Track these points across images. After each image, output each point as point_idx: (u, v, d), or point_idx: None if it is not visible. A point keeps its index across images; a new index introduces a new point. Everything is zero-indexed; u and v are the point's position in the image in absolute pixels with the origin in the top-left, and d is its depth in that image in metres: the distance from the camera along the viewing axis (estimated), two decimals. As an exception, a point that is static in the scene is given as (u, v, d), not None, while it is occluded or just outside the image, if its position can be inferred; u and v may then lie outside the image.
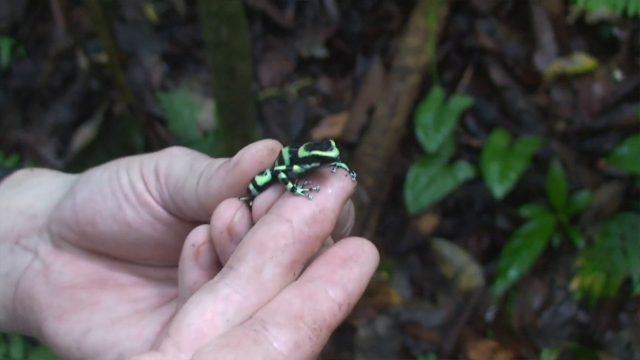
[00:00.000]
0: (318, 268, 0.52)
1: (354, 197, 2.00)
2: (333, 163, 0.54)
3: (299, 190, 0.53)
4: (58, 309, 0.62)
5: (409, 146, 2.16)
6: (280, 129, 2.17)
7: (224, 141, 1.89)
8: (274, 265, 0.51)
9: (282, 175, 0.55)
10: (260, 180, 0.56)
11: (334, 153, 0.54)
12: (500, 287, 1.93)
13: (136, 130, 2.09)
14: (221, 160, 0.58)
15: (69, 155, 2.15)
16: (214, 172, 0.57)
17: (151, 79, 2.23)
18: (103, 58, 2.16)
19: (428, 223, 2.12)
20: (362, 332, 1.95)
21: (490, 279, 2.02)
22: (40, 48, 2.27)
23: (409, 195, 2.02)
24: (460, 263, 2.05)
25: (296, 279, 0.52)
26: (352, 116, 2.19)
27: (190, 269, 0.58)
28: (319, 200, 0.52)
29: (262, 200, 0.56)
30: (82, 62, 2.25)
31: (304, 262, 0.52)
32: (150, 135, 2.11)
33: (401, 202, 2.05)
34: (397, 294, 2.01)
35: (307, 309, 0.49)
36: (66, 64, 2.26)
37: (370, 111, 2.17)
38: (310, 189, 0.53)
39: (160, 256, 0.64)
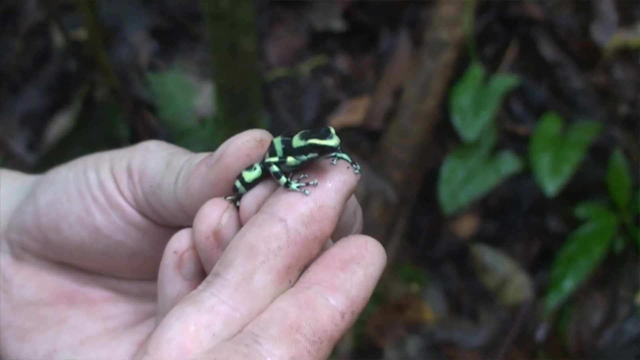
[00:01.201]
0: (316, 273, 0.53)
1: (373, 196, 2.01)
2: (333, 154, 0.55)
3: (293, 185, 0.54)
4: (20, 328, 0.63)
5: (443, 135, 2.15)
6: (290, 115, 2.17)
7: (225, 130, 1.90)
8: (266, 271, 0.52)
9: (274, 169, 0.55)
10: (249, 175, 0.57)
11: (333, 142, 0.54)
12: (553, 300, 1.93)
13: (121, 119, 2.10)
14: (202, 155, 0.59)
15: (43, 148, 2.15)
16: (195, 169, 0.58)
17: (139, 59, 2.23)
18: (82, 34, 2.16)
19: (466, 225, 2.13)
20: (390, 355, 1.96)
21: (540, 291, 2.02)
22: (7, 23, 2.27)
23: (443, 192, 2.02)
24: (505, 272, 2.06)
25: (292, 286, 0.53)
26: (375, 100, 2.19)
27: (171, 279, 0.59)
28: (317, 196, 0.53)
29: (251, 199, 0.57)
30: (58, 39, 2.24)
31: (301, 267, 0.53)
32: (138, 124, 2.12)
33: (434, 201, 2.05)
34: (431, 310, 2.02)
35: (304, 319, 0.50)
36: (39, 41, 2.25)
37: (397, 94, 2.16)
38: (307, 184, 0.54)
39: (135, 267, 0.65)
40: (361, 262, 0.53)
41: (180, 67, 2.20)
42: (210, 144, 2.03)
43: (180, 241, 0.59)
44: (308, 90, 2.22)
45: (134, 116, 2.12)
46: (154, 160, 0.61)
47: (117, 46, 2.23)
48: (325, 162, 0.56)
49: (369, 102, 2.19)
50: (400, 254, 2.05)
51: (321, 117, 2.19)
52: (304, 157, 0.55)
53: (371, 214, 2.00)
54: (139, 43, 2.24)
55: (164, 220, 0.62)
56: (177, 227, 0.61)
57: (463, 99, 2.03)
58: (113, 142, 2.05)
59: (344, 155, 0.56)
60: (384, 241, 1.97)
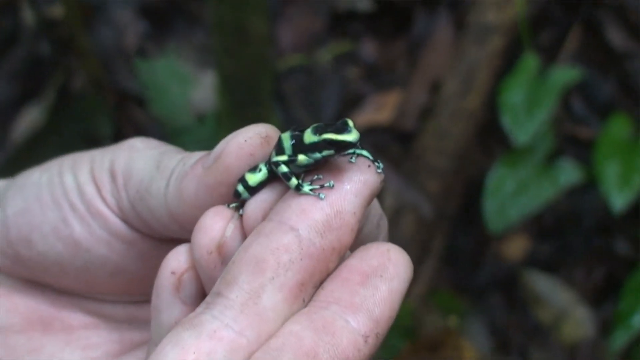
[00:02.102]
0: (333, 290, 0.54)
1: (404, 211, 2.03)
2: (351, 150, 0.57)
3: (306, 187, 0.56)
4: None
5: (489, 138, 2.15)
6: (306, 112, 2.19)
7: (228, 129, 1.92)
8: (276, 289, 0.53)
9: (283, 169, 0.57)
10: (253, 178, 0.58)
11: (352, 136, 0.55)
12: (620, 338, 1.88)
13: (103, 114, 2.13)
14: (198, 154, 0.61)
15: (9, 147, 2.16)
16: (189, 170, 0.60)
17: (125, 42, 2.25)
18: (57, 12, 2.18)
19: (516, 247, 2.13)
20: (423, 403, 1.94)
21: (605, 327, 2.02)
22: (-32, -2, 2.30)
23: (489, 207, 2.00)
24: (563, 304, 2.06)
25: (306, 306, 0.54)
26: (408, 95, 2.19)
27: (169, 305, 0.60)
28: (334, 199, 0.55)
29: (256, 205, 0.58)
30: (28, 17, 2.25)
31: (316, 283, 0.55)
32: (123, 121, 2.16)
33: (478, 217, 2.02)
34: (472, 347, 1.98)
35: (322, 345, 0.51)
36: (5, 19, 2.27)
37: (435, 88, 2.15)
38: (322, 186, 0.56)
39: (120, 287, 0.67)
40: (384, 275, 0.54)
41: (175, 52, 2.22)
42: (211, 146, 2.17)
43: (178, 259, 0.60)
44: (327, 82, 2.24)
45: (118, 111, 2.16)
46: (141, 161, 0.63)
47: (99, 26, 2.25)
48: (342, 160, 0.57)
49: (400, 98, 2.20)
50: (436, 280, 2.06)
51: (342, 114, 2.18)
52: (317, 155, 0.56)
53: (401, 231, 2.00)
54: (126, 23, 2.26)
55: (154, 231, 0.64)
56: (168, 239, 0.63)
57: (514, 94, 2.01)
58: (92, 142, 2.05)
59: (364, 152, 0.57)
60: (416, 264, 1.94)
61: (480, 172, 2.06)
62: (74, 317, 0.67)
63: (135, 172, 0.62)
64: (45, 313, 0.67)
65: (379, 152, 2.09)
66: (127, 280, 0.66)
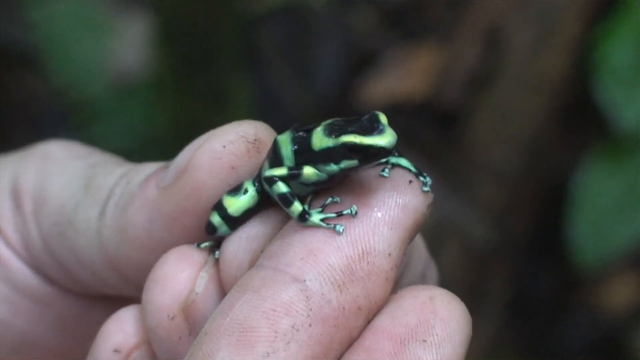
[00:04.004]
0: None
1: (448, 235, 2.05)
2: (384, 159, 0.57)
3: (315, 217, 0.55)
4: None
5: (577, 120, 2.08)
6: (293, 79, 2.12)
7: (173, 105, 1.94)
8: None
9: (281, 189, 0.56)
10: (235, 204, 0.58)
11: (386, 139, 0.54)
12: None
13: None
14: (149, 167, 0.62)
15: None
16: (137, 192, 0.60)
17: None
18: None
19: (621, 292, 2.07)
20: None
21: None
22: None
23: (578, 229, 1.90)
24: None
25: None
26: (451, 53, 2.12)
27: None
28: (359, 234, 0.54)
29: (240, 245, 0.58)
30: None
31: (334, 358, 0.53)
32: (8, 92, 2.13)
33: (561, 244, 1.93)
34: None
35: None
36: None
37: (493, 43, 2.05)
38: (340, 214, 0.55)
39: None
40: (428, 339, 0.53)
41: (85, -10, 2.06)
42: (142, 132, 2.06)
43: (123, 330, 0.59)
44: (326, 32, 2.17)
45: (5, 80, 2.15)
46: (61, 177, 0.63)
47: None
48: (369, 174, 0.56)
49: (437, 58, 2.14)
50: (499, 339, 2.01)
51: (348, 82, 2.13)
52: (333, 167, 0.55)
53: (445, 265, 1.94)
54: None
55: (81, 284, 0.63)
56: (104, 297, 0.64)
57: (618, 52, 1.90)
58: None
59: (403, 161, 0.57)
60: (470, 315, 2.14)
61: (564, 174, 1.98)
62: None
63: (53, 194, 0.62)
64: None
65: (407, 143, 1.88)
66: (38, 355, 0.65)
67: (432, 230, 1.90)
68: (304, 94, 2.11)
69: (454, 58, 2.11)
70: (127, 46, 2.07)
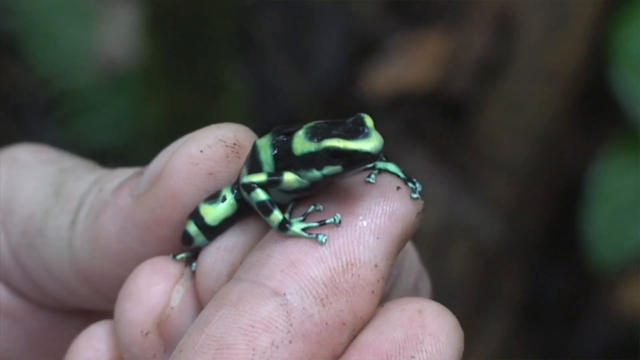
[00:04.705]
0: None
1: (457, 235, 2.07)
2: (370, 164, 0.57)
3: (296, 226, 0.56)
4: None
5: (594, 111, 2.14)
6: (290, 69, 2.15)
7: (162, 98, 1.95)
8: None
9: (260, 196, 0.57)
10: (212, 212, 0.59)
11: (371, 143, 0.55)
12: None
13: None
14: (122, 174, 0.63)
15: None
16: (110, 200, 0.61)
17: None
18: None
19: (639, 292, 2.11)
20: None
21: None
22: None
23: (595, 227, 1.96)
24: None
25: None
26: (460, 40, 2.19)
27: None
28: (343, 245, 0.54)
29: (217, 256, 0.59)
30: None
31: None
32: None
33: (577, 243, 1.99)
34: None
35: None
36: None
37: (505, 28, 2.12)
38: (322, 223, 0.56)
39: None
40: (417, 356, 0.53)
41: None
42: (133, 127, 2.07)
43: (94, 347, 0.60)
44: (326, 19, 2.22)
45: None
46: (30, 184, 0.64)
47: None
48: (355, 181, 0.57)
49: (446, 44, 2.20)
50: (510, 342, 2.04)
51: (350, 72, 2.18)
52: (315, 174, 0.56)
53: (454, 268, 2.00)
54: None
55: (50, 296, 0.64)
56: (75, 311, 0.64)
57: (634, 40, 1.97)
58: None
59: (391, 166, 0.57)
60: (476, 320, 1.99)
61: (579, 168, 2.05)
62: None
63: (21, 201, 0.63)
64: None
65: (412, 137, 2.03)
66: None
67: (440, 229, 1.94)
68: (303, 84, 2.13)
69: (463, 45, 2.13)
70: (115, 34, 2.08)
